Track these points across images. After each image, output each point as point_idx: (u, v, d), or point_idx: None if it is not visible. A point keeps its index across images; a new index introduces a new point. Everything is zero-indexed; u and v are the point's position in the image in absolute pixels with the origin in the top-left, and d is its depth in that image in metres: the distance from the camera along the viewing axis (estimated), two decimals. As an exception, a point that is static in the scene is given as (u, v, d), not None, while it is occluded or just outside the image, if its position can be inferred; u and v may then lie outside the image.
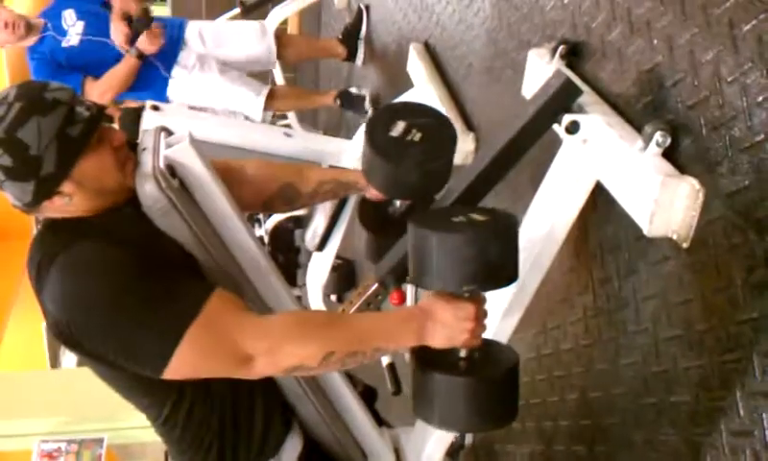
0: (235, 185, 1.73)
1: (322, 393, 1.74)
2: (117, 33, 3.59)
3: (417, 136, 1.72)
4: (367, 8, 4.27)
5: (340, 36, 4.36)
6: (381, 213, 1.93)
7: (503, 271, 1.39)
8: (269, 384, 1.66)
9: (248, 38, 4.04)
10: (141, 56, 3.59)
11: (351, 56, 4.35)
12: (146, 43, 3.57)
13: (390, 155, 1.71)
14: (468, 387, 1.43)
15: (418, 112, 1.79)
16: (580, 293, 1.91)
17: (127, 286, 1.36)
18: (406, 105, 1.90)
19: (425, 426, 1.99)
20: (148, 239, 1.44)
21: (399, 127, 1.73)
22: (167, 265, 1.43)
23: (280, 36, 4.18)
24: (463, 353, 1.46)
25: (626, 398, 1.72)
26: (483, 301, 1.45)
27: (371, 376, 2.22)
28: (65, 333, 1.40)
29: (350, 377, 1.89)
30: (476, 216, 1.43)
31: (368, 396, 1.99)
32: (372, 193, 1.83)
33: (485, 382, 1.45)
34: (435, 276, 1.37)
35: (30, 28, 3.64)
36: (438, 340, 1.43)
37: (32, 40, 3.66)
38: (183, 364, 1.36)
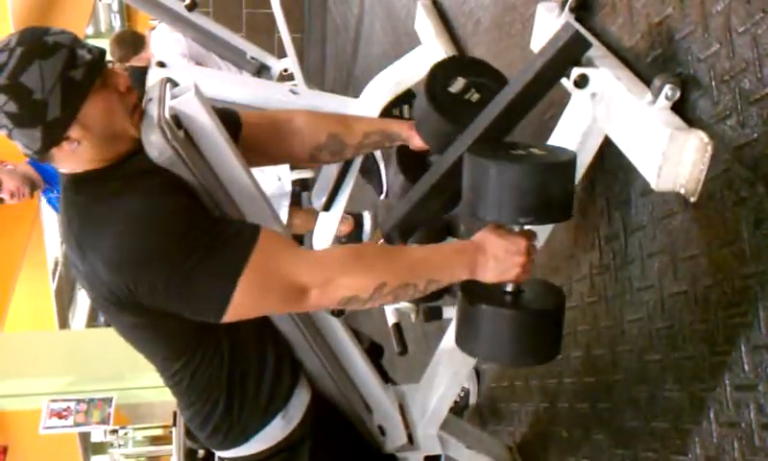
0: (284, 137, 1.74)
1: (328, 348, 1.75)
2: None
3: (475, 97, 1.71)
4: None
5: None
6: (422, 162, 1.93)
7: (559, 205, 1.40)
8: (278, 339, 1.67)
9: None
10: None
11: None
12: None
13: (446, 111, 1.70)
14: (513, 320, 1.45)
15: (479, 70, 1.79)
16: (585, 250, 1.90)
17: (179, 235, 1.37)
18: (469, 60, 1.89)
19: (430, 384, 2.01)
20: (181, 185, 1.44)
21: (459, 83, 1.72)
22: (204, 207, 1.45)
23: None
24: (510, 288, 1.47)
25: (630, 354, 1.72)
26: (534, 237, 1.46)
27: (377, 336, 2.23)
28: (124, 295, 1.41)
29: (357, 334, 1.90)
30: (534, 150, 1.43)
31: (374, 352, 2.01)
32: (417, 144, 1.83)
33: (530, 316, 1.47)
34: (491, 206, 1.38)
35: (34, 187, 3.71)
36: (489, 274, 1.44)
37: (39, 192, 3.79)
38: (243, 302, 1.38)
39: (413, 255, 1.51)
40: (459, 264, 1.46)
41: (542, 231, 1.77)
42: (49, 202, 4.08)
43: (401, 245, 1.70)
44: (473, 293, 1.49)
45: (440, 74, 1.74)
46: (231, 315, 1.39)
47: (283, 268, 1.40)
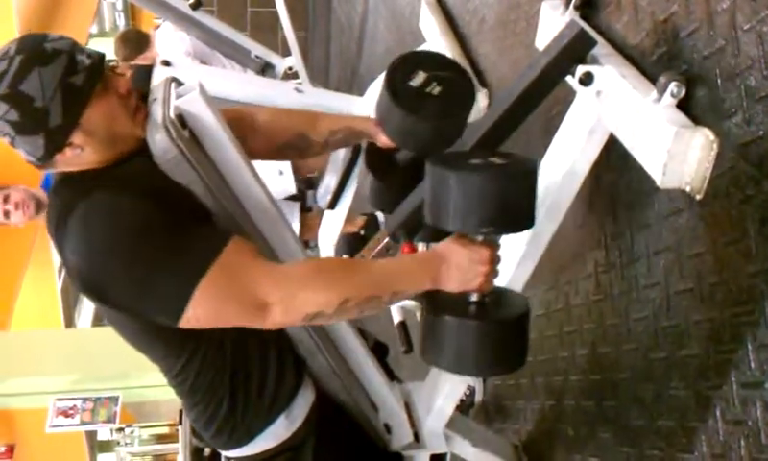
0: (247, 134, 1.72)
1: (334, 347, 1.75)
2: None
3: (436, 90, 1.71)
4: None
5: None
6: (389, 160, 1.91)
7: (521, 214, 1.38)
8: (281, 338, 1.67)
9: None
10: None
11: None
12: None
13: (407, 105, 1.69)
14: (477, 330, 1.44)
15: (439, 64, 1.77)
16: (592, 248, 1.90)
17: (145, 233, 1.36)
18: (428, 54, 1.88)
19: (436, 382, 2.00)
20: (163, 188, 1.44)
21: (420, 77, 1.71)
22: (183, 213, 1.43)
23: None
24: (474, 298, 1.46)
25: (636, 352, 1.72)
26: (497, 246, 1.45)
27: (382, 335, 2.23)
28: (88, 284, 1.41)
29: (362, 332, 1.90)
30: (495, 159, 1.42)
31: (379, 351, 2.00)
32: (383, 141, 1.82)
33: (494, 326, 1.45)
34: (452, 216, 1.37)
35: (40, 205, 3.64)
36: (452, 283, 1.43)
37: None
38: (200, 310, 1.36)
39: (375, 268, 1.51)
40: (422, 275, 1.45)
41: (547, 228, 1.77)
42: None
43: (361, 258, 1.71)
44: (437, 303, 1.47)
45: (399, 69, 1.73)
46: (189, 320, 1.37)
47: (245, 279, 1.37)
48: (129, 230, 1.36)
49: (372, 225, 4.47)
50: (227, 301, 1.38)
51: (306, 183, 5.64)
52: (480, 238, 1.42)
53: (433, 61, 1.78)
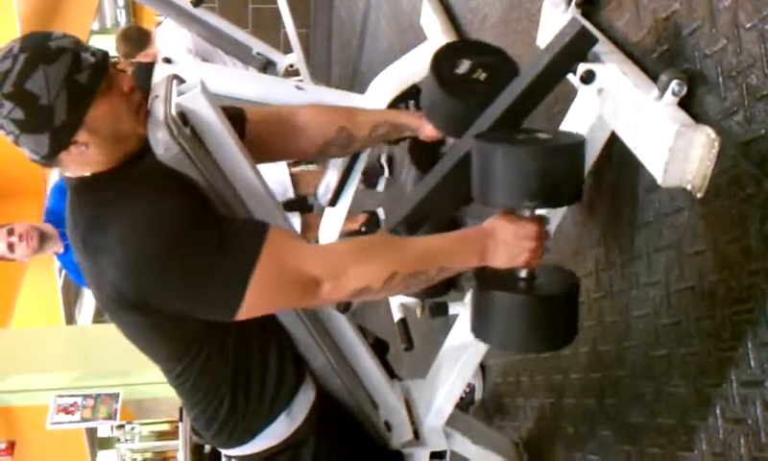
0: (289, 133, 1.74)
1: (334, 344, 1.75)
2: None
3: (482, 75, 1.72)
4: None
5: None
6: (433, 154, 1.92)
7: (566, 188, 1.40)
8: (282, 337, 1.67)
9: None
10: None
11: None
12: None
13: (457, 92, 1.70)
14: (527, 306, 1.45)
15: (481, 50, 1.78)
16: (592, 245, 1.90)
17: (187, 234, 1.38)
18: (469, 42, 1.89)
19: (436, 380, 2.00)
20: (189, 184, 1.45)
21: (464, 65, 1.72)
22: (214, 208, 1.45)
23: (296, 174, 4.12)
24: (523, 274, 1.47)
25: (636, 350, 1.72)
26: (545, 221, 1.46)
27: (382, 332, 2.23)
28: (132, 297, 1.42)
29: (362, 330, 1.90)
30: (542, 135, 1.43)
31: (379, 348, 2.00)
32: (427, 134, 1.83)
33: (544, 301, 1.46)
34: (499, 190, 1.39)
35: (43, 237, 3.64)
36: (499, 259, 1.45)
37: (51, 250, 3.72)
38: (256, 299, 1.38)
39: (422, 244, 1.52)
40: (469, 250, 1.46)
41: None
42: (65, 266, 4.03)
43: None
44: (487, 280, 1.49)
45: (444, 59, 1.74)
46: (245, 312, 1.39)
47: (294, 262, 1.40)
48: (171, 234, 1.38)
49: (373, 222, 4.48)
50: (279, 285, 1.41)
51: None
52: (527, 214, 1.43)
53: (475, 49, 1.80)
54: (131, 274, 1.39)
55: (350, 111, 1.95)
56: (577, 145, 1.41)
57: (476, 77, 1.71)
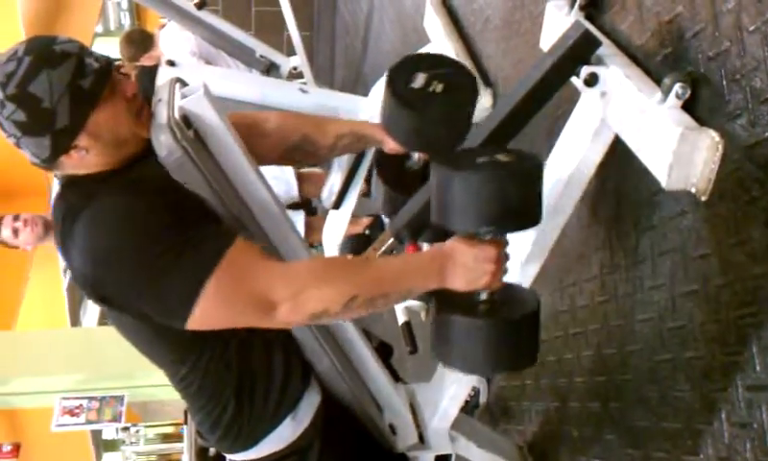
0: (256, 138, 1.73)
1: (339, 348, 1.75)
2: None
3: (438, 87, 1.71)
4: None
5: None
6: (399, 167, 1.92)
7: (523, 212, 1.38)
8: (287, 342, 1.67)
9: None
10: None
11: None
12: None
13: (413, 106, 1.69)
14: (485, 329, 1.43)
15: (437, 63, 1.77)
16: (596, 249, 1.90)
17: (151, 236, 1.36)
18: (424, 56, 1.88)
19: (441, 383, 2.00)
20: (169, 188, 1.44)
21: (420, 79, 1.71)
22: (188, 214, 1.43)
23: (302, 175, 4.11)
24: (483, 296, 1.45)
25: (641, 354, 1.72)
26: (504, 244, 1.44)
27: (386, 335, 2.23)
28: (93, 287, 1.42)
29: (366, 334, 1.90)
30: (501, 157, 1.41)
31: (383, 351, 2.00)
32: (391, 147, 1.82)
33: (502, 324, 1.44)
34: (454, 215, 1.37)
35: (48, 226, 3.67)
36: (459, 282, 1.43)
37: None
38: (208, 311, 1.36)
39: (382, 266, 1.51)
40: (428, 273, 1.44)
41: (551, 230, 1.76)
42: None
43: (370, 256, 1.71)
44: (446, 302, 1.47)
45: (398, 74, 1.74)
46: (197, 321, 1.37)
47: (251, 278, 1.37)
48: (134, 232, 1.37)
49: (377, 225, 4.47)
50: (233, 300, 1.38)
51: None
52: (488, 237, 1.42)
53: (430, 61, 1.79)
54: (92, 264, 1.39)
55: (316, 120, 1.96)
56: (532, 169, 1.39)
57: (432, 90, 1.71)
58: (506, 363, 1.51)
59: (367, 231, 4.24)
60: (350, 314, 1.45)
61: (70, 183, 1.50)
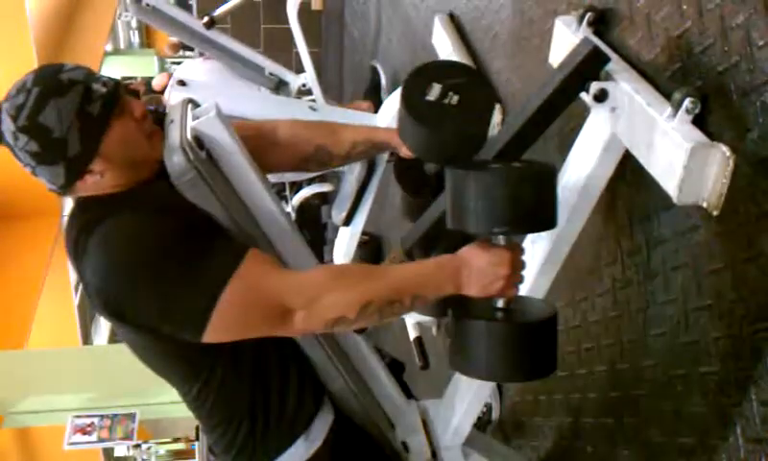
0: (268, 148, 1.73)
1: (351, 366, 1.75)
2: None
3: (454, 99, 1.71)
4: (380, 66, 4.17)
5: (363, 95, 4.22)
6: (418, 172, 1.92)
7: (536, 215, 1.38)
8: (301, 361, 1.67)
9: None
10: None
11: (378, 109, 4.21)
12: None
13: (428, 121, 1.69)
14: (503, 334, 1.43)
15: (451, 71, 1.77)
16: (608, 264, 1.90)
17: (164, 251, 1.37)
18: (438, 64, 1.87)
19: (453, 399, 2.00)
20: (180, 205, 1.45)
21: (435, 90, 1.71)
22: (200, 231, 1.45)
23: None
24: (500, 304, 1.45)
25: (655, 369, 1.71)
26: (520, 250, 1.44)
27: (397, 350, 2.23)
28: (108, 304, 1.42)
29: (378, 351, 1.90)
30: (515, 164, 1.42)
31: (395, 368, 2.00)
32: (406, 153, 1.83)
33: (520, 329, 1.44)
34: (470, 217, 1.38)
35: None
36: (473, 287, 1.43)
37: None
38: (223, 323, 1.37)
39: (396, 273, 1.50)
40: (443, 279, 1.44)
41: (562, 246, 1.76)
42: None
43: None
44: (463, 310, 1.48)
45: (413, 86, 1.73)
46: (212, 334, 1.38)
47: (266, 288, 1.38)
48: (148, 247, 1.38)
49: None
50: (249, 310, 1.39)
51: (321, 198, 5.65)
52: (502, 242, 1.43)
53: (445, 70, 1.78)
54: (106, 281, 1.39)
55: (331, 127, 1.93)
56: (545, 172, 1.40)
57: (448, 102, 1.70)
58: (526, 369, 1.49)
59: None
60: (367, 320, 1.44)
61: (85, 202, 1.51)
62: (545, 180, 1.40)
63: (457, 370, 1.52)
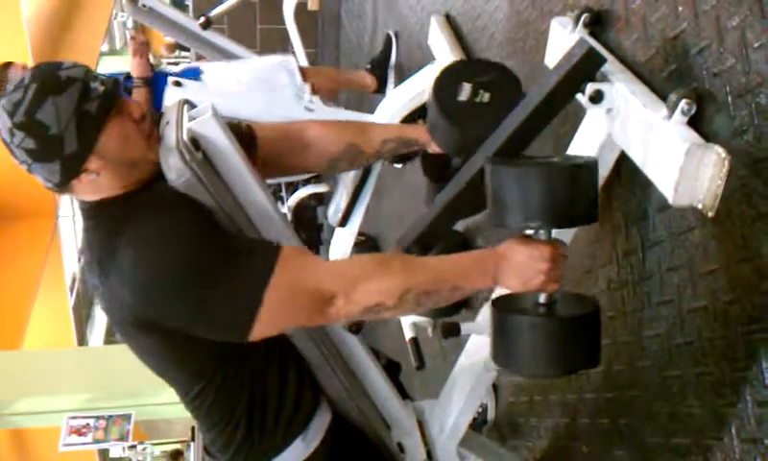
0: (297, 150, 1.75)
1: (347, 367, 1.75)
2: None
3: (485, 97, 1.71)
4: (396, 35, 4.08)
5: (368, 67, 4.11)
6: (445, 165, 1.93)
7: (571, 209, 1.38)
8: (300, 362, 1.67)
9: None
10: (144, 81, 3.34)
11: (381, 86, 4.08)
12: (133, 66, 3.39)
13: (462, 120, 1.70)
14: (546, 330, 1.43)
15: (479, 69, 1.78)
16: (603, 265, 1.90)
17: (199, 252, 1.38)
18: (467, 63, 1.89)
19: (449, 400, 2.00)
20: (193, 206, 1.45)
21: (466, 89, 1.72)
22: (221, 228, 1.46)
23: (304, 69, 4.07)
24: (542, 299, 1.46)
25: (650, 370, 1.72)
26: (560, 245, 1.45)
27: (395, 351, 2.23)
28: (145, 317, 1.42)
29: (375, 351, 1.90)
30: (556, 159, 1.44)
31: (391, 369, 2.00)
32: (435, 148, 1.83)
33: (562, 323, 1.44)
34: (508, 212, 1.39)
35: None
36: (513, 281, 1.44)
37: None
38: (270, 318, 1.38)
39: (436, 263, 1.51)
40: (482, 271, 1.46)
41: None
42: None
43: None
44: (504, 305, 1.49)
45: (445, 85, 1.74)
46: (258, 332, 1.39)
47: (307, 278, 1.41)
48: (181, 253, 1.38)
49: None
50: (294, 303, 1.41)
51: (317, 199, 5.65)
52: (542, 236, 1.43)
53: (473, 68, 1.79)
54: (142, 293, 1.39)
55: (361, 127, 1.95)
56: (586, 166, 1.41)
57: (479, 100, 1.71)
58: (569, 364, 1.49)
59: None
60: (404, 309, 1.46)
61: (95, 215, 1.50)
62: (586, 174, 1.41)
63: (500, 366, 1.52)
